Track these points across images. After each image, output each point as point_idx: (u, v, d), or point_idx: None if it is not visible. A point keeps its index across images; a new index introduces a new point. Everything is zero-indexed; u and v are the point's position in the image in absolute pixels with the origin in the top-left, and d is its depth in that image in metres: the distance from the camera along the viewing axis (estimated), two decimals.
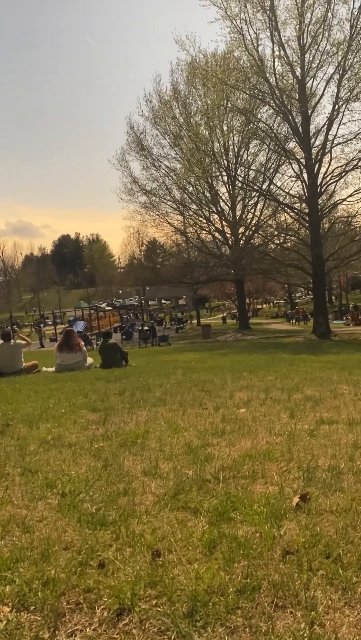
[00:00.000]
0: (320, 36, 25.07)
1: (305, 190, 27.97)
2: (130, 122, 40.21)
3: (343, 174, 27.12)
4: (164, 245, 53.24)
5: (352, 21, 23.89)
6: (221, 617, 1.59)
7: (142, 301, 75.86)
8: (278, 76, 25.89)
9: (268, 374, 7.63)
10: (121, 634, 1.55)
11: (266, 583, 1.75)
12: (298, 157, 27.86)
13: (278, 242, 32.39)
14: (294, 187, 31.54)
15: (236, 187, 36.34)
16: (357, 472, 2.80)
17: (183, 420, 4.32)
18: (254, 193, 34.92)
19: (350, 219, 29.09)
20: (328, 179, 27.31)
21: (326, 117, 26.39)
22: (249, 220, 37.42)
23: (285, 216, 32.67)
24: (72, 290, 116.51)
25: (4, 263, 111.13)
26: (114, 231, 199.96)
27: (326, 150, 26.60)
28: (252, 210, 37.66)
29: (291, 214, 30.41)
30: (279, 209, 31.71)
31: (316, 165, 26.91)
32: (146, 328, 33.20)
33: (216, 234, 39.71)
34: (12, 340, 10.94)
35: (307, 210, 27.89)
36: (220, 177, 36.71)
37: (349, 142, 26.25)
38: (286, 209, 30.38)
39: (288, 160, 29.87)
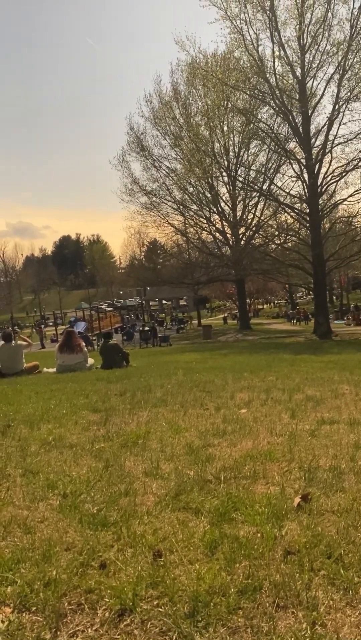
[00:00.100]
0: (320, 36, 25.05)
1: (306, 190, 27.94)
2: (130, 123, 40.32)
3: (343, 174, 27.09)
4: (164, 246, 53.27)
5: (352, 21, 23.86)
6: (223, 618, 1.59)
7: (143, 302, 75.91)
8: (278, 76, 25.87)
9: (269, 374, 7.63)
10: (122, 635, 1.55)
11: (268, 583, 1.75)
12: (298, 157, 27.84)
13: (278, 242, 32.36)
14: (294, 187, 31.57)
15: (237, 188, 36.32)
16: (358, 472, 2.80)
17: (184, 420, 4.31)
18: (255, 193, 34.91)
19: (350, 219, 29.07)
20: (328, 179, 27.29)
21: (327, 117, 26.38)
22: (249, 221, 37.40)
23: (286, 216, 32.68)
24: (73, 291, 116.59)
25: (5, 264, 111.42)
26: (114, 232, 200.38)
27: (327, 150, 26.58)
28: (252, 211, 37.67)
29: (292, 214, 30.40)
30: (280, 209, 31.69)
31: (317, 166, 26.89)
32: (147, 329, 33.19)
33: (217, 235, 39.72)
34: (13, 341, 10.95)
35: (308, 211, 27.87)
36: (221, 178, 36.70)
37: (349, 142, 26.22)
38: (286, 209, 30.36)
39: (288, 161, 29.86)
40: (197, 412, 4.66)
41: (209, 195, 36.96)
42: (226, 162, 35.38)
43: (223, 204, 38.05)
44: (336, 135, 26.30)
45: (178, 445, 3.48)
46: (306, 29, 24.95)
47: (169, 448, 3.42)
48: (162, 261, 56.78)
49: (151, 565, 1.89)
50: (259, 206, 36.60)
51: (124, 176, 40.36)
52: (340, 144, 26.54)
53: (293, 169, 29.42)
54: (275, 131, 29.77)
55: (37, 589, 1.76)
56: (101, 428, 4.14)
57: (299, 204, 29.60)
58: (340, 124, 26.12)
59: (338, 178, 27.27)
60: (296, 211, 29.56)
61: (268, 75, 25.83)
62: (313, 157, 26.70)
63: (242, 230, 37.73)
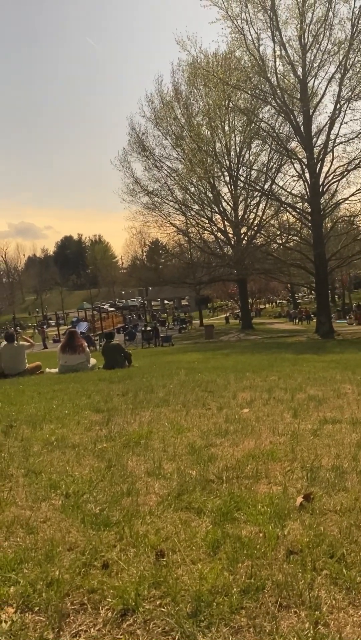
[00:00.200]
0: (321, 35, 25.02)
1: (307, 189, 27.92)
2: (132, 123, 40.12)
3: (345, 173, 27.06)
4: (166, 246, 53.18)
5: (353, 20, 23.81)
6: (225, 617, 1.59)
7: (145, 302, 75.93)
8: (279, 76, 25.85)
9: (271, 373, 7.62)
10: (125, 635, 1.55)
11: (270, 583, 1.75)
12: (299, 156, 27.82)
13: (280, 241, 32.37)
14: (296, 186, 31.63)
15: (238, 187, 36.29)
16: None
17: (186, 420, 4.32)
18: (257, 193, 34.90)
19: (352, 218, 29.05)
20: (330, 178, 27.27)
21: (328, 116, 26.37)
22: (251, 220, 37.38)
23: (287, 216, 32.70)
24: (75, 291, 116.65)
25: (7, 265, 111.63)
26: (116, 232, 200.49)
27: (328, 150, 26.55)
28: (254, 210, 37.67)
29: (294, 213, 30.40)
30: (282, 208, 31.69)
31: (318, 165, 26.86)
32: (149, 329, 33.23)
33: (219, 234, 39.71)
34: (15, 342, 10.96)
35: (309, 210, 27.84)
36: (222, 178, 36.68)
37: (351, 141, 26.18)
38: (288, 208, 30.36)
39: (290, 160, 29.83)
40: (199, 412, 4.66)
41: (210, 195, 36.96)
42: (227, 162, 35.36)
43: (224, 204, 38.06)
44: (337, 134, 26.30)
45: (180, 445, 3.48)
46: (308, 28, 24.94)
47: (172, 448, 3.42)
48: (164, 261, 56.83)
49: (153, 565, 1.89)
50: (261, 206, 36.64)
51: (126, 176, 40.49)
52: (341, 143, 26.52)
53: (295, 169, 29.46)
54: (276, 131, 29.78)
55: (39, 589, 1.77)
56: (104, 428, 4.15)
57: (300, 204, 29.58)
58: (341, 123, 26.11)
59: (339, 177, 27.27)
60: (298, 210, 29.54)
61: (269, 75, 25.81)
62: (315, 156, 26.69)
63: (244, 229, 37.72)
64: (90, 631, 1.58)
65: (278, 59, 25.45)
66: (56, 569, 1.88)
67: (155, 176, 39.02)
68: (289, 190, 30.98)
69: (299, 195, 29.72)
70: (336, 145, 26.55)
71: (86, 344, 11.50)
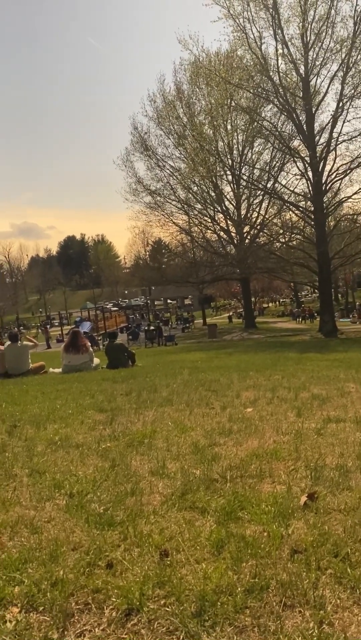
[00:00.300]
0: (324, 33, 24.98)
1: (310, 188, 27.88)
2: (134, 123, 40.13)
3: (348, 172, 27.04)
4: (169, 245, 53.18)
5: (356, 18, 23.76)
6: (230, 617, 1.59)
7: (148, 301, 75.97)
8: (281, 74, 25.82)
9: (274, 372, 7.62)
10: (129, 634, 1.55)
11: (275, 582, 1.74)
12: (302, 155, 27.81)
13: (283, 240, 32.34)
14: (299, 185, 31.46)
15: (241, 186, 36.30)
16: None
17: (189, 420, 4.31)
18: (259, 192, 34.89)
19: (355, 217, 28.99)
20: (333, 176, 27.25)
21: (331, 114, 26.34)
22: (254, 219, 37.38)
23: (290, 214, 32.61)
24: (78, 291, 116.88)
25: (10, 265, 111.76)
26: (119, 232, 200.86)
27: (331, 148, 26.52)
28: (257, 209, 37.67)
29: (297, 212, 30.32)
30: (285, 207, 31.66)
31: (321, 163, 26.82)
32: (152, 328, 33.21)
33: (221, 233, 39.69)
34: (19, 342, 10.99)
35: (312, 208, 27.81)
36: (225, 176, 36.68)
37: (354, 139, 26.17)
38: (291, 207, 30.30)
39: (292, 159, 29.79)
40: (203, 411, 4.66)
41: (213, 194, 36.93)
42: (230, 161, 35.32)
43: (227, 203, 38.10)
44: (340, 132, 26.28)
45: (184, 445, 3.48)
46: (310, 26, 24.89)
47: (175, 447, 3.42)
48: (167, 260, 56.78)
49: (157, 565, 1.89)
50: (264, 204, 36.63)
51: (128, 176, 40.38)
52: (344, 141, 26.50)
53: (298, 167, 29.41)
54: (279, 129, 29.73)
55: (44, 588, 1.77)
56: (107, 428, 4.15)
57: (303, 202, 29.55)
58: (344, 122, 26.08)
59: (342, 175, 27.25)
60: (301, 209, 29.49)
61: (271, 74, 25.79)
62: (317, 154, 26.65)
63: (246, 228, 37.69)
64: (94, 631, 1.58)
65: (280, 58, 25.47)
66: (60, 568, 1.88)
67: (157, 175, 39.07)
68: (292, 188, 30.99)
69: (302, 193, 29.73)
70: (339, 144, 26.55)
71: (89, 344, 11.51)
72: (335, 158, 26.92)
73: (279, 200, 31.47)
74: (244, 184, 35.58)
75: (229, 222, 38.72)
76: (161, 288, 67.03)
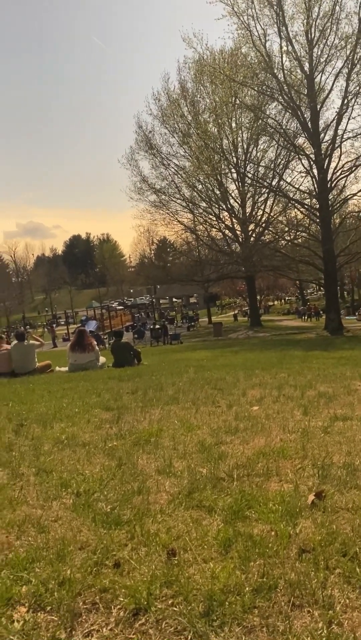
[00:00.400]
0: (328, 30, 24.92)
1: (315, 185, 27.81)
2: (139, 121, 40.25)
3: (353, 169, 26.98)
4: (174, 244, 53.25)
5: (360, 14, 23.67)
6: (238, 617, 1.58)
7: (154, 300, 76.00)
8: (286, 72, 25.76)
9: (280, 371, 7.60)
10: (137, 634, 1.55)
11: (283, 582, 1.73)
12: (307, 152, 27.72)
13: (288, 238, 32.32)
14: (304, 182, 31.42)
15: (246, 184, 36.22)
16: None
17: (196, 418, 4.31)
18: (264, 189, 34.84)
19: (360, 214, 28.91)
20: (338, 174, 27.17)
21: (336, 111, 26.26)
22: (259, 217, 37.34)
23: (295, 212, 32.59)
24: (83, 290, 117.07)
25: (16, 264, 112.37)
26: (124, 230, 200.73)
27: (336, 145, 26.44)
28: (262, 207, 37.64)
29: (302, 209, 30.28)
30: (290, 205, 31.62)
31: (326, 160, 26.74)
32: (157, 327, 33.27)
33: (226, 232, 39.67)
34: (25, 341, 11.01)
35: (317, 206, 27.74)
36: (229, 174, 36.67)
37: (359, 136, 26.09)
38: (296, 204, 30.27)
39: (297, 156, 29.72)
40: (209, 410, 4.65)
41: (218, 192, 36.92)
42: (234, 159, 35.31)
43: (232, 201, 38.03)
44: (345, 129, 26.23)
45: (190, 443, 3.47)
46: (314, 23, 24.82)
47: (182, 446, 3.41)
48: (172, 259, 56.87)
49: (165, 564, 1.88)
50: (269, 202, 36.60)
51: (133, 175, 40.42)
52: (349, 138, 26.46)
53: (303, 165, 29.35)
54: (284, 127, 29.69)
55: (51, 588, 1.76)
56: (114, 426, 4.15)
57: (309, 200, 29.49)
58: (349, 119, 26.01)
59: (348, 173, 27.17)
60: (306, 207, 29.43)
61: (275, 71, 25.73)
62: (323, 152, 26.58)
63: (251, 226, 37.67)
64: (102, 631, 1.57)
65: (284, 55, 25.40)
66: (68, 568, 1.88)
67: (162, 174, 39.10)
68: (297, 186, 30.94)
69: (308, 191, 29.64)
70: (344, 141, 26.50)
71: (95, 343, 11.52)
72: (340, 155, 26.86)
73: (284, 197, 31.43)
74: (249, 181, 35.52)
75: (234, 220, 38.67)
76: (166, 287, 67.14)
